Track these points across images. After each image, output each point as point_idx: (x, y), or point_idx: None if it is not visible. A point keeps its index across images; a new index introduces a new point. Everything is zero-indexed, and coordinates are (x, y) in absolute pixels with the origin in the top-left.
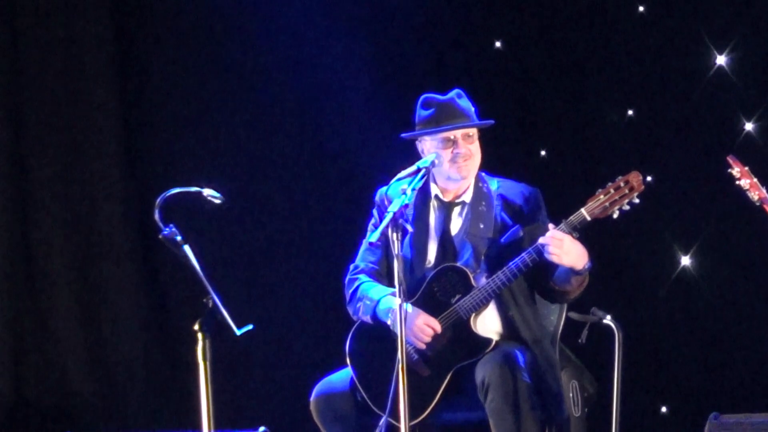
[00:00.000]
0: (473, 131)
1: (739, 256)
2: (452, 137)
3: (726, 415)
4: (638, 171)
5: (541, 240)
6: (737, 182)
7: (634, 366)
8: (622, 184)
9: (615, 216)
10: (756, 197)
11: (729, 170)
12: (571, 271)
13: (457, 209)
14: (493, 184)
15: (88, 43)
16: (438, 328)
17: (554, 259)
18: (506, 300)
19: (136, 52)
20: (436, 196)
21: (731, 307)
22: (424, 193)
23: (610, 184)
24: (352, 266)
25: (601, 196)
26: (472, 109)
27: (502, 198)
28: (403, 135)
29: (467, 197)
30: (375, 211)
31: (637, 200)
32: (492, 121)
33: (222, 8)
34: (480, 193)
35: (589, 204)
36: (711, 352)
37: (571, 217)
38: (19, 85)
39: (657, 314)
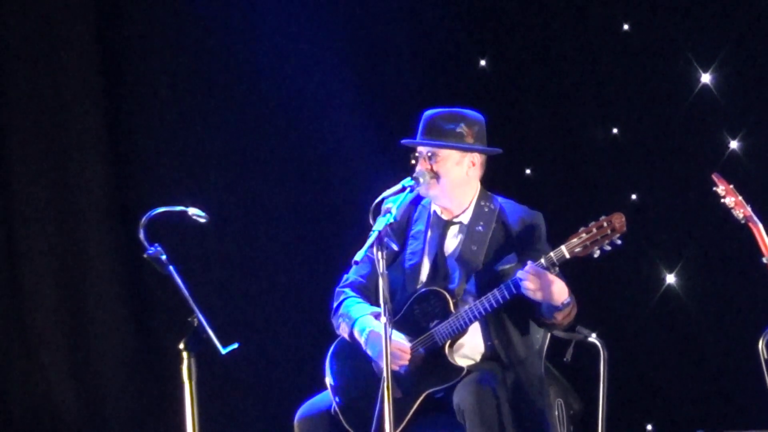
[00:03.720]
0: (442, 151)
1: (724, 274)
2: (420, 153)
3: None
4: (622, 213)
5: (518, 274)
6: (722, 200)
7: (620, 384)
8: (605, 224)
9: (596, 255)
10: (741, 215)
11: (714, 188)
12: (552, 307)
13: (454, 229)
14: (496, 205)
15: (73, 60)
16: (407, 350)
17: (530, 294)
18: (492, 321)
19: (121, 68)
20: (435, 213)
21: (716, 324)
22: (425, 209)
23: (592, 223)
24: (344, 277)
25: (583, 235)
26: (458, 130)
27: (501, 221)
28: (402, 141)
29: (465, 218)
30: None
31: (619, 241)
32: (439, 143)
33: (207, 24)
34: (480, 213)
35: (571, 241)
36: (696, 370)
37: (551, 253)
38: (2, 101)
39: (642, 332)
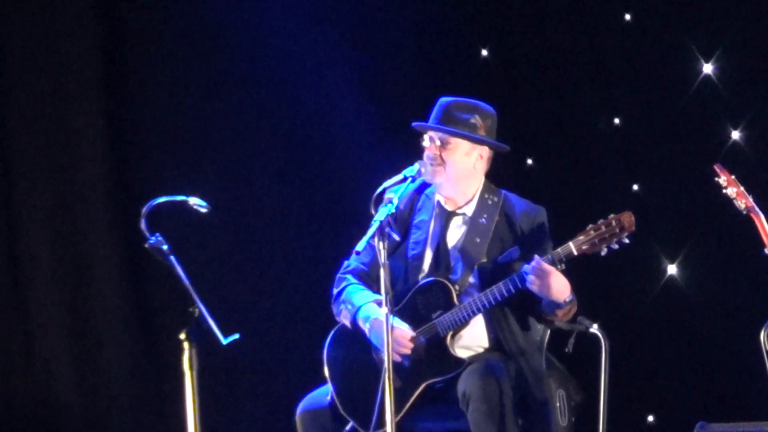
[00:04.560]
0: (452, 139)
1: (726, 265)
2: (430, 138)
3: (713, 424)
4: (631, 212)
5: (525, 268)
6: (724, 191)
7: (621, 375)
8: (613, 223)
9: (603, 253)
10: (743, 206)
11: (716, 179)
12: (554, 303)
13: (457, 220)
14: (499, 198)
15: (73, 51)
16: (409, 338)
17: (534, 289)
18: (495, 313)
19: (122, 61)
20: (439, 203)
21: (718, 315)
22: (428, 199)
23: (601, 221)
24: (345, 263)
25: (591, 232)
26: (472, 121)
27: (505, 213)
28: (413, 124)
29: (469, 210)
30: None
31: (627, 240)
32: (451, 130)
33: (208, 19)
34: (484, 205)
35: (579, 238)
36: (698, 361)
37: (558, 249)
38: (3, 94)
39: (644, 323)
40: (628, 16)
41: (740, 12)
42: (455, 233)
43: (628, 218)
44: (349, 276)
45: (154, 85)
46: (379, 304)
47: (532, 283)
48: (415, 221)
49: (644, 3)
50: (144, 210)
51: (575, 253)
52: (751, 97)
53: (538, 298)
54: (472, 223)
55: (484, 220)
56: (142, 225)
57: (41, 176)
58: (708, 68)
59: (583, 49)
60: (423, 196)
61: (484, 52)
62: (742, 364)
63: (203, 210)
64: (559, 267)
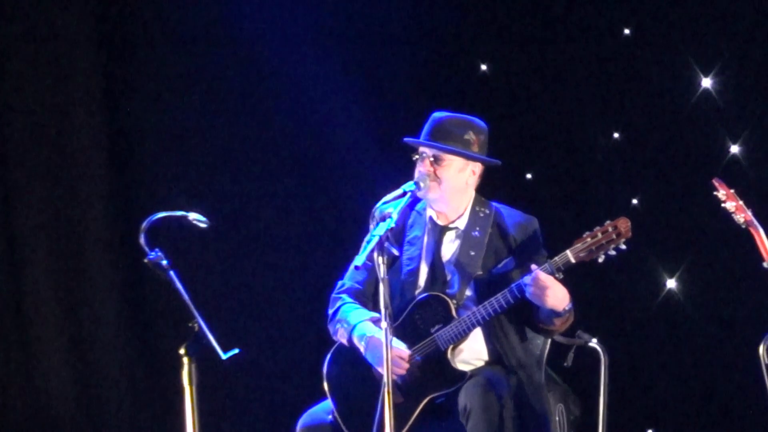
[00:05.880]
0: (447, 156)
1: (725, 279)
2: (422, 154)
3: None
4: (627, 217)
5: (525, 279)
6: (723, 205)
7: (620, 389)
8: (610, 229)
9: (600, 260)
10: (742, 220)
11: (715, 193)
12: (553, 312)
13: (450, 234)
14: (491, 210)
15: (75, 65)
16: (406, 358)
17: (535, 300)
18: (493, 326)
19: (122, 74)
20: (431, 218)
21: (717, 329)
22: (420, 215)
23: (597, 228)
24: (339, 283)
25: (588, 239)
26: (466, 137)
27: (497, 225)
28: (404, 139)
29: (461, 224)
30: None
31: (624, 246)
32: (447, 147)
33: (209, 30)
34: (476, 218)
35: (575, 246)
36: (697, 375)
37: (556, 258)
38: (3, 104)
39: (643, 337)
40: (627, 31)
41: (739, 26)
42: (449, 247)
43: (624, 224)
44: (344, 296)
45: (154, 98)
46: (375, 321)
47: (533, 294)
48: (408, 237)
49: (643, 17)
50: (143, 225)
51: (573, 261)
52: (750, 111)
53: (536, 307)
54: (465, 236)
55: (477, 233)
56: (142, 240)
57: (40, 188)
58: (707, 82)
59: (582, 63)
60: (414, 212)
61: (483, 67)
62: (741, 378)
63: (203, 225)
64: (557, 276)
